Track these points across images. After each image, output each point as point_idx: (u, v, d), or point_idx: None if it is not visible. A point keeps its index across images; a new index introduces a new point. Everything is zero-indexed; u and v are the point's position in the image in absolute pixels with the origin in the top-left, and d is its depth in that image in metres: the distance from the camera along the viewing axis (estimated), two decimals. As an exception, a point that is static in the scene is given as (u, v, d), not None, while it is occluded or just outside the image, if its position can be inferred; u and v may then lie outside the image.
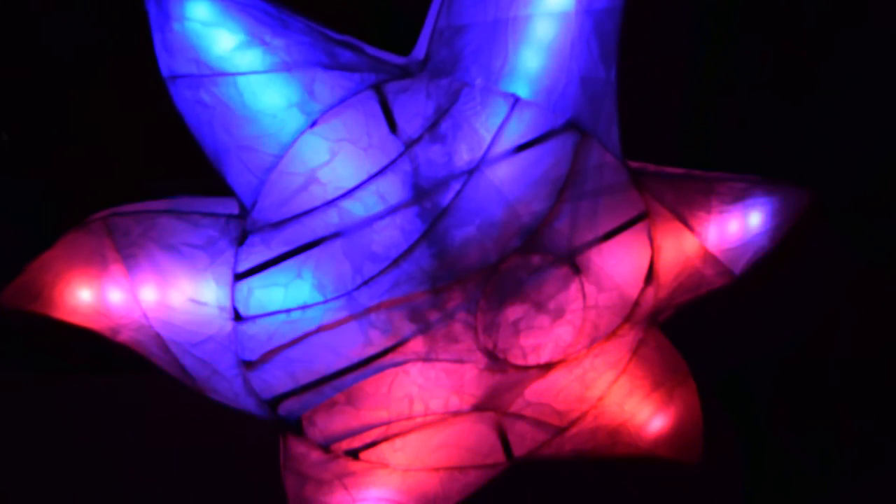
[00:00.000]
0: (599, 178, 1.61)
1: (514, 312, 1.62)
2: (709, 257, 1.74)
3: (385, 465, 1.70)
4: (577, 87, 1.52)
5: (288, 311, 1.53)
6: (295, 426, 1.64)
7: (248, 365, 1.57)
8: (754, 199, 1.72)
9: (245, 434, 1.74)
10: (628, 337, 1.75)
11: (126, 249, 1.49)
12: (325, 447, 1.67)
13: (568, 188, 1.58)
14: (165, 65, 1.38)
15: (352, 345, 1.58)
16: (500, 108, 1.50)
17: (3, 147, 2.40)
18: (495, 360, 1.65)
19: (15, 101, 2.12)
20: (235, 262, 1.50)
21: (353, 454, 1.69)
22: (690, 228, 1.70)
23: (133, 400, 2.18)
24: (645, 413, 1.85)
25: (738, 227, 1.74)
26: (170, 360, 1.56)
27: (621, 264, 1.68)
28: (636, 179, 1.64)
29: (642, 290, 1.71)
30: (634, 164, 1.66)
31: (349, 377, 1.60)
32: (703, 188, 1.70)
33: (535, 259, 1.60)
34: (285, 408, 1.62)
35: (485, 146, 1.51)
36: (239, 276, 1.51)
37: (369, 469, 1.71)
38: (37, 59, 2.08)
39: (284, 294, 1.52)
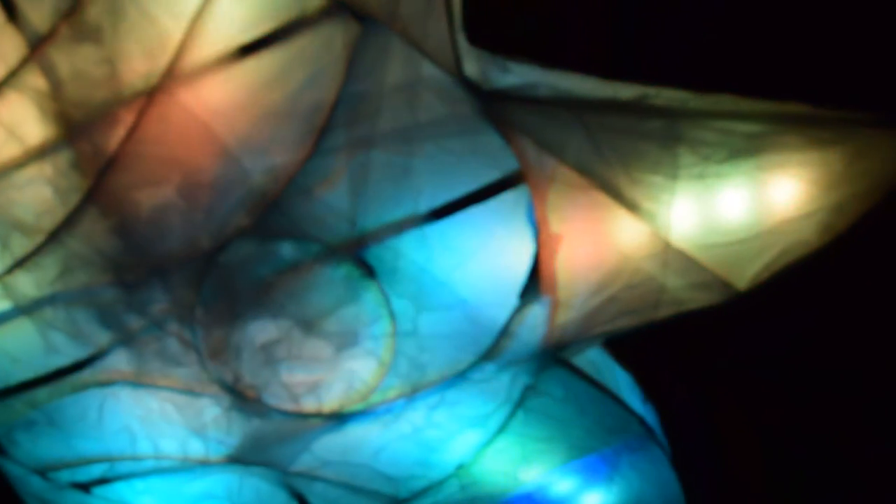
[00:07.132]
0: (410, 110, 0.87)
1: (262, 331, 0.98)
2: (673, 255, 0.95)
3: (130, 509, 1.19)
4: None
5: None
6: (-8, 444, 1.17)
7: None
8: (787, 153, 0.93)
9: None
10: (497, 383, 1.03)
11: None
12: (42, 474, 1.18)
13: (338, 125, 0.87)
14: None
15: (30, 349, 1.06)
16: None
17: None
18: (242, 400, 1.03)
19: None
20: None
21: (83, 488, 1.19)
22: (629, 206, 0.92)
23: None
24: None
25: (746, 201, 0.95)
26: None
27: (471, 265, 0.94)
28: (500, 113, 0.88)
29: (517, 311, 0.97)
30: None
31: (41, 392, 1.09)
32: (664, 132, 0.91)
33: (285, 248, 0.93)
34: (-29, 420, 1.15)
35: (174, 47, 0.84)
36: None
37: (119, 510, 1.21)
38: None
39: None
